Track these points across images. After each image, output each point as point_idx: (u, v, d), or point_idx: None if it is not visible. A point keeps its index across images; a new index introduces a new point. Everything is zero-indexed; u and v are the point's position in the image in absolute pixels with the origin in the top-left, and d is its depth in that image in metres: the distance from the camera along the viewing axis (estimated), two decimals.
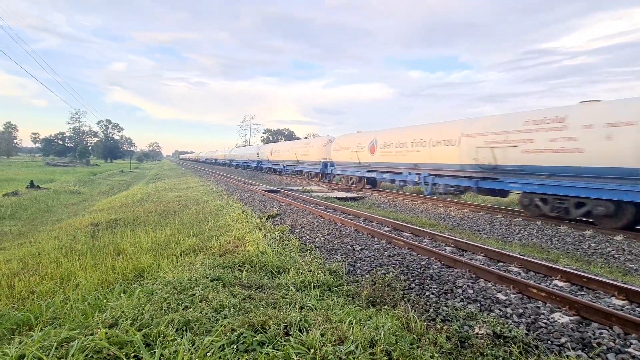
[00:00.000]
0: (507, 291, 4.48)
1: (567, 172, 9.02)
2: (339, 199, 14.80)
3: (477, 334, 3.32)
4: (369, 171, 17.68)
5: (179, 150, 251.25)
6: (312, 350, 2.71)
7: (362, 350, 2.77)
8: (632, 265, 6.56)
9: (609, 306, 4.04)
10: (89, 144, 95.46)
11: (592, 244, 7.75)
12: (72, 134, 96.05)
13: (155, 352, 2.64)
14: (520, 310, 3.95)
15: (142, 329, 2.97)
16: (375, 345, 2.87)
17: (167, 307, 3.55)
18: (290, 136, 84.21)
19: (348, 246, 6.74)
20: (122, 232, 9.42)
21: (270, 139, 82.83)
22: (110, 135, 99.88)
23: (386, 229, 8.34)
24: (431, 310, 3.91)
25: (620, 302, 4.21)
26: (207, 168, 48.07)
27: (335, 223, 8.95)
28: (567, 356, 3.03)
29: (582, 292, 4.58)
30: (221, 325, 3.07)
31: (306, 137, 69.96)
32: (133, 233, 9.15)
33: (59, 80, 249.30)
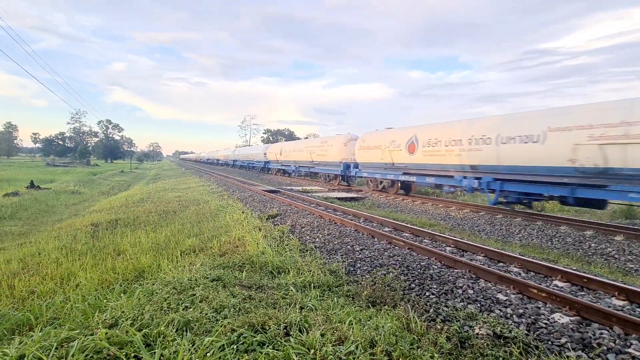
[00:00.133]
0: (508, 291, 4.48)
1: None
2: (339, 199, 14.79)
3: (477, 334, 3.31)
4: (404, 174, 15.04)
5: (179, 150, 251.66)
6: (312, 351, 2.71)
7: (362, 351, 2.77)
8: (632, 266, 6.56)
9: (609, 306, 4.04)
10: (89, 144, 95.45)
11: (593, 245, 7.75)
12: (72, 134, 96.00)
13: (155, 352, 2.64)
14: (521, 311, 3.94)
15: (142, 329, 2.97)
16: (375, 346, 2.87)
17: (167, 308, 3.55)
18: (290, 136, 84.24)
19: (348, 246, 6.74)
20: (122, 233, 9.43)
21: (270, 139, 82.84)
22: (111, 135, 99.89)
23: (386, 229, 8.34)
24: (431, 310, 3.91)
25: (621, 303, 4.21)
26: (207, 168, 48.05)
27: (335, 223, 8.95)
28: (567, 356, 3.03)
29: (583, 293, 4.58)
30: (221, 326, 3.07)
31: (306, 137, 69.96)
32: (133, 233, 9.15)
33: (59, 80, 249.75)
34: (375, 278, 4.93)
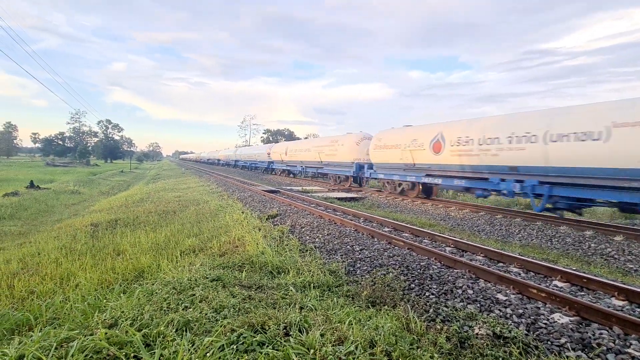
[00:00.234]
0: (507, 291, 4.48)
1: None
2: (339, 199, 14.79)
3: (477, 334, 3.31)
4: (427, 175, 13.78)
5: (179, 150, 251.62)
6: (312, 351, 2.71)
7: (362, 351, 2.77)
8: (632, 266, 6.56)
9: (608, 307, 4.04)
10: (89, 144, 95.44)
11: (592, 245, 7.75)
12: (72, 134, 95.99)
13: (155, 352, 2.63)
14: (520, 311, 3.95)
15: (141, 329, 2.97)
16: (375, 346, 2.87)
17: (167, 308, 3.55)
18: (290, 136, 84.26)
19: (348, 246, 6.74)
20: (122, 233, 9.43)
21: (270, 139, 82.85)
22: (110, 135, 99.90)
23: (386, 229, 8.34)
24: (431, 310, 3.91)
25: (620, 303, 4.21)
26: (207, 168, 48.05)
27: (335, 223, 8.95)
28: (567, 357, 3.03)
29: (582, 293, 4.58)
30: (221, 326, 3.07)
31: (306, 137, 69.98)
32: (133, 233, 9.15)
33: (59, 80, 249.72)
34: (375, 278, 4.92)
